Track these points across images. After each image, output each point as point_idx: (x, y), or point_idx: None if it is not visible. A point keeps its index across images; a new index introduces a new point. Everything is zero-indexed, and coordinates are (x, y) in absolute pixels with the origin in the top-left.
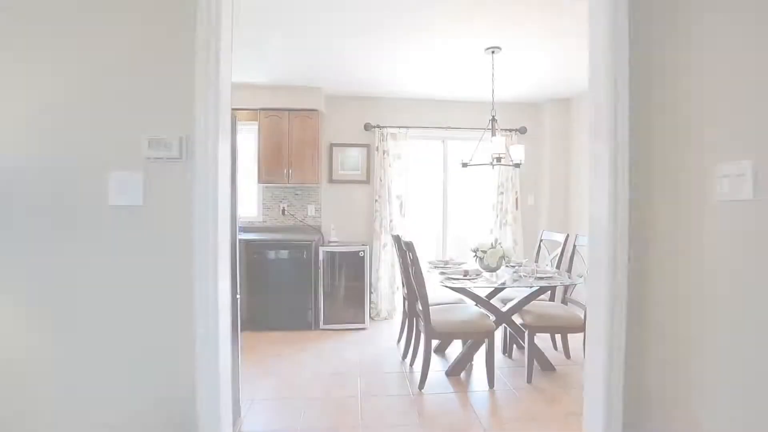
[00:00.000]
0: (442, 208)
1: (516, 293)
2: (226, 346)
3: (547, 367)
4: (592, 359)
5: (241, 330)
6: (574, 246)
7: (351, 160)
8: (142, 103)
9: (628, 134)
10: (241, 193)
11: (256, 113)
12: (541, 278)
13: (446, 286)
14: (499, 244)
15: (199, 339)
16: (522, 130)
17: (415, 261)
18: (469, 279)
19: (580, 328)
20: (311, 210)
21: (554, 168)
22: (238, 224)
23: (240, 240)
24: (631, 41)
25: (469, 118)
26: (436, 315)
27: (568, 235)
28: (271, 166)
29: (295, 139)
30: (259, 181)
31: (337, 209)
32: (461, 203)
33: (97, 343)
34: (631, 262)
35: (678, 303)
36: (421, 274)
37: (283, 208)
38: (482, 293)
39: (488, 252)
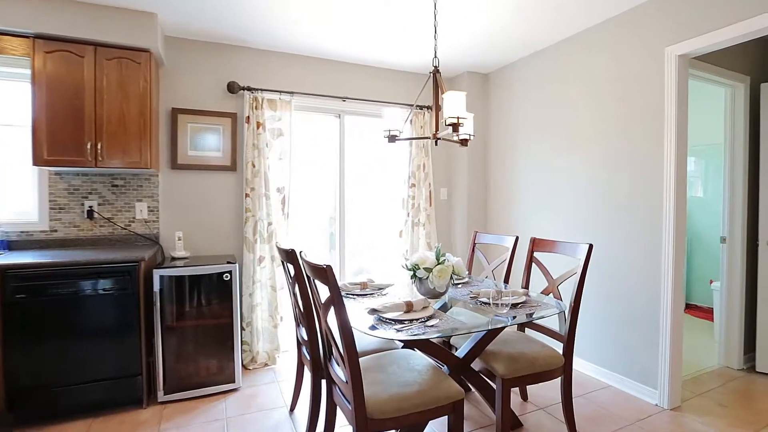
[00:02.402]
0: (338, 206)
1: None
2: None
3: (514, 423)
4: None
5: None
6: (532, 254)
7: (208, 135)
8: None
9: None
10: None
11: (28, 43)
12: (516, 305)
13: (397, 340)
14: (443, 256)
15: None
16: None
17: (338, 299)
18: (419, 319)
19: (561, 369)
20: (142, 211)
21: (472, 156)
22: None
23: None
24: None
25: (376, 88)
26: (369, 383)
27: (517, 238)
28: (62, 138)
29: (107, 95)
30: (36, 161)
31: (186, 209)
32: (363, 199)
33: None
34: None
35: None
36: (348, 321)
37: (91, 207)
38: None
39: (435, 270)
